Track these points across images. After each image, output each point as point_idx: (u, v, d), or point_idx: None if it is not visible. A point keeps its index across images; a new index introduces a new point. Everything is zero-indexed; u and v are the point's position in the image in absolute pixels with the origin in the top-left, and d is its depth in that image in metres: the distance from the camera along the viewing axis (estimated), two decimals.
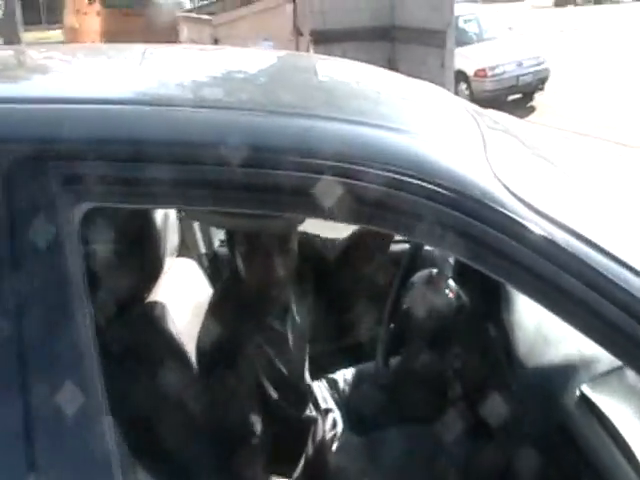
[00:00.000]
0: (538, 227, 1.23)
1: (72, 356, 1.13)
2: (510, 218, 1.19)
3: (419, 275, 2.37)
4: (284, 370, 2.01)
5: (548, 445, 1.75)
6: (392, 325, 2.41)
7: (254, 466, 1.85)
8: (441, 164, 1.25)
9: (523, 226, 1.21)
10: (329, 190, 1.15)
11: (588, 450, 1.62)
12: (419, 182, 1.19)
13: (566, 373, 1.79)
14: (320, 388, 2.38)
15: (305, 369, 2.18)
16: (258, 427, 1.86)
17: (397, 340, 2.32)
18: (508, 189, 1.24)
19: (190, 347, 2.03)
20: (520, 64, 12.45)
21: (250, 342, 1.91)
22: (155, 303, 2.13)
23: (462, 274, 2.25)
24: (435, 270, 2.30)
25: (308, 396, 2.18)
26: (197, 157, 1.15)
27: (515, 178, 1.31)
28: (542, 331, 1.94)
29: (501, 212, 1.21)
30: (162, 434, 1.69)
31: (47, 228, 1.10)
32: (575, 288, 1.24)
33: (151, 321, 2.05)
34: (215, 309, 2.00)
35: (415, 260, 2.47)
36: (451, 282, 2.22)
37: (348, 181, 1.18)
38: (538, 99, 12.83)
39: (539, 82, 12.86)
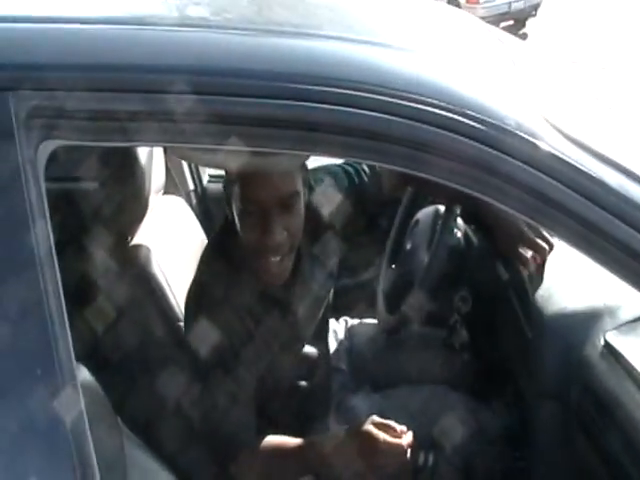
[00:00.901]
0: (579, 161, 1.06)
1: (33, 300, 0.97)
2: (554, 155, 1.03)
3: (424, 212, 2.22)
4: (287, 339, 1.84)
5: (568, 400, 1.62)
6: (394, 266, 2.26)
7: (252, 433, 1.71)
8: (469, 94, 1.07)
9: (564, 161, 1.05)
10: (340, 122, 0.99)
11: (613, 404, 1.49)
12: (444, 113, 1.02)
13: (589, 321, 1.65)
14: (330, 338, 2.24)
15: (318, 331, 2.01)
16: (252, 393, 1.72)
17: (399, 283, 2.17)
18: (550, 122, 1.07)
19: (178, 294, 1.87)
20: None
21: (243, 312, 1.73)
22: (140, 246, 1.97)
23: (471, 212, 2.09)
24: (441, 206, 2.14)
25: (318, 365, 2.01)
26: (187, 85, 0.97)
27: (555, 110, 1.14)
28: (562, 275, 1.80)
29: (542, 146, 1.03)
30: (142, 385, 1.55)
31: (7, 167, 0.93)
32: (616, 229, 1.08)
33: (135, 266, 1.90)
34: (203, 268, 1.80)
35: (418, 197, 2.32)
36: (459, 220, 2.06)
37: (362, 112, 1.00)
38: (530, 26, 12.55)
39: (532, 9, 12.59)
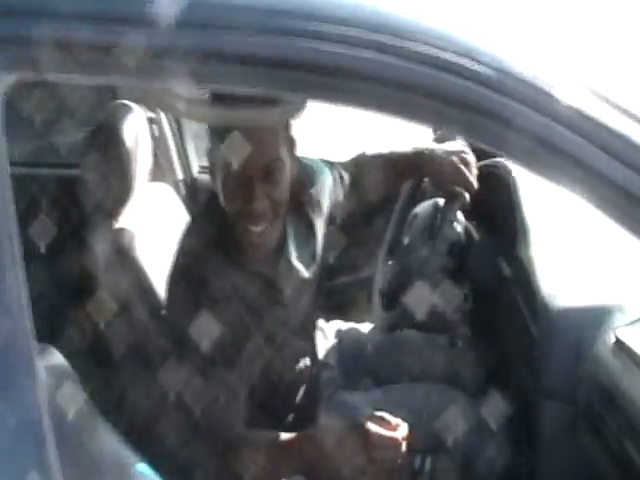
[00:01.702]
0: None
1: None
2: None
3: (423, 206, 2.12)
4: (273, 322, 1.73)
5: (575, 399, 1.52)
6: (391, 263, 2.16)
7: (236, 420, 1.61)
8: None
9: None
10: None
11: (626, 402, 1.39)
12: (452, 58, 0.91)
13: (598, 317, 1.56)
14: (319, 336, 2.14)
15: (306, 319, 1.90)
16: (237, 380, 1.62)
17: (397, 279, 2.07)
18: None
19: (162, 280, 1.76)
20: None
21: (228, 288, 1.64)
22: (124, 230, 1.87)
23: (472, 207, 1.99)
24: (442, 200, 2.04)
25: (303, 350, 1.91)
26: (181, 17, 0.85)
27: None
28: (569, 270, 1.71)
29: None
30: (122, 371, 1.45)
31: None
32: None
33: (119, 249, 1.79)
34: (186, 245, 1.71)
35: (416, 192, 2.22)
36: (460, 215, 1.97)
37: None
38: None
39: None
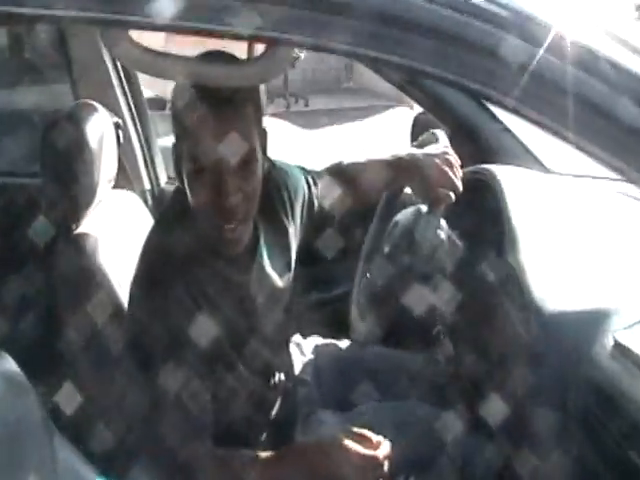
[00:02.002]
0: None
1: None
2: None
3: (404, 213, 2.01)
4: (244, 331, 1.63)
5: (569, 404, 1.42)
6: (368, 275, 2.05)
7: (203, 440, 1.50)
8: None
9: None
10: None
11: (627, 405, 1.30)
12: None
13: (594, 320, 1.47)
14: (295, 352, 2.02)
15: (279, 331, 1.79)
16: (206, 395, 1.51)
17: (375, 290, 1.96)
18: None
19: (126, 287, 1.65)
20: None
21: (195, 294, 1.53)
22: (86, 235, 1.75)
23: (454, 214, 1.90)
24: (424, 207, 1.95)
25: (277, 364, 1.80)
26: None
27: None
28: (561, 273, 1.62)
29: None
30: (84, 381, 1.33)
31: None
32: None
33: (79, 254, 1.67)
34: (150, 247, 1.60)
35: (396, 200, 2.12)
36: (443, 222, 1.87)
37: None
38: None
39: None
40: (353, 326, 1.96)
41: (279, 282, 1.73)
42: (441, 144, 1.85)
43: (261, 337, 1.69)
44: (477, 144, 2.16)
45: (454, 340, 1.86)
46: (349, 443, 1.45)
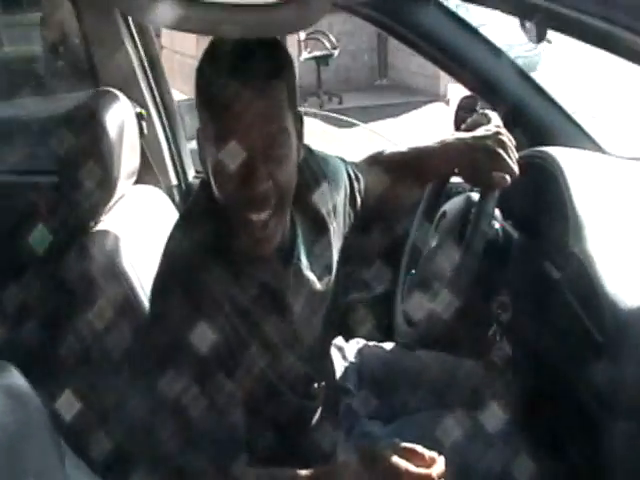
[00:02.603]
0: None
1: None
2: None
3: (452, 202, 1.85)
4: (280, 344, 1.46)
5: None
6: (414, 272, 1.88)
7: (237, 459, 1.34)
8: None
9: None
10: None
11: None
12: None
13: None
14: (336, 357, 1.86)
15: (319, 341, 1.61)
16: (238, 410, 1.36)
17: (422, 289, 1.79)
18: None
19: (148, 289, 1.50)
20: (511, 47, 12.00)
21: (224, 299, 1.36)
22: (106, 232, 1.61)
23: (508, 204, 1.72)
24: (475, 194, 1.77)
25: (316, 373, 1.61)
26: None
27: None
28: (633, 263, 1.44)
29: None
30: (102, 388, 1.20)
31: None
32: None
33: (98, 252, 1.53)
34: (173, 247, 1.43)
35: (442, 189, 1.95)
36: (497, 211, 1.70)
37: None
38: None
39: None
40: (398, 328, 1.79)
41: (319, 286, 1.56)
42: (493, 125, 1.68)
43: (299, 349, 1.53)
44: (530, 126, 1.97)
45: (513, 343, 1.67)
46: (398, 460, 1.28)
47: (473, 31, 1.99)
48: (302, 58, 10.02)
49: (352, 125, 7.54)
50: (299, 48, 9.87)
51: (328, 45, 10.39)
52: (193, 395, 1.26)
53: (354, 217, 1.71)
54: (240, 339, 1.36)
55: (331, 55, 10.39)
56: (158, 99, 2.17)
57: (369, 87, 11.06)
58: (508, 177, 1.56)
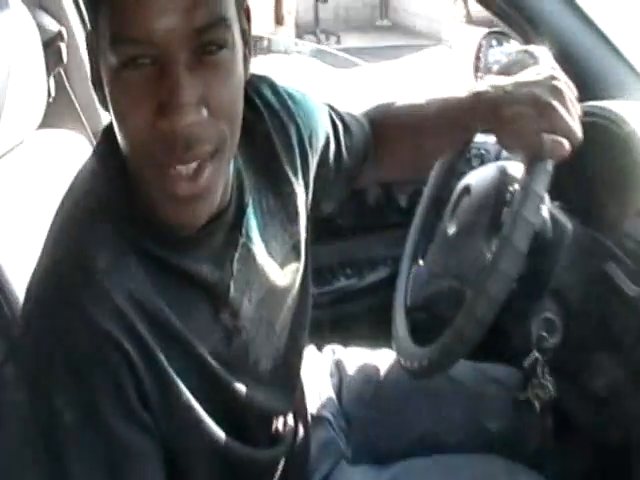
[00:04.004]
0: None
1: None
2: None
3: (479, 175, 1.35)
4: (223, 371, 1.00)
5: None
6: (422, 263, 1.38)
7: None
8: None
9: None
10: None
11: None
12: None
13: None
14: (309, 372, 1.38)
15: (284, 357, 1.14)
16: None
17: (436, 291, 1.31)
18: None
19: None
20: None
21: (133, 307, 0.89)
22: None
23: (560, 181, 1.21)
24: (512, 164, 1.27)
25: (279, 405, 1.15)
26: None
27: None
28: None
29: None
30: None
31: None
32: None
33: None
34: (57, 225, 0.94)
35: (457, 159, 1.43)
36: (545, 196, 1.18)
37: None
38: None
39: None
40: (399, 345, 1.30)
41: (280, 277, 1.09)
42: (543, 66, 1.15)
43: (253, 372, 1.06)
44: (584, 75, 1.44)
45: (559, 379, 1.18)
46: None
47: None
48: None
49: (352, 64, 7.12)
50: None
51: None
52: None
53: (336, 181, 1.25)
54: (155, 366, 0.89)
55: None
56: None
57: (369, 27, 10.71)
58: (567, 143, 1.05)
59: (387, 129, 1.31)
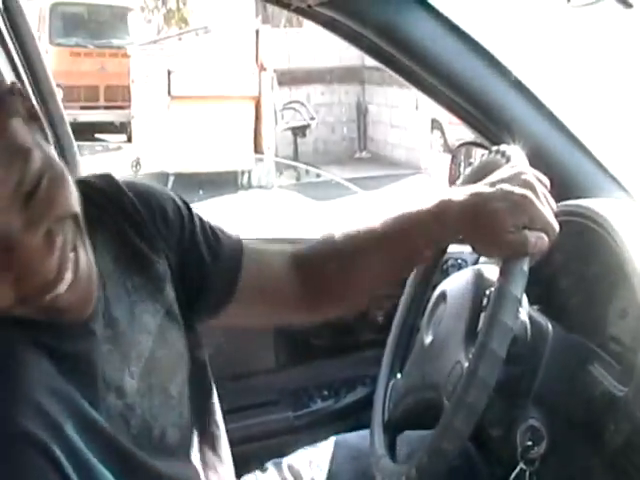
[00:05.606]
0: None
1: None
2: None
3: (454, 280, 1.30)
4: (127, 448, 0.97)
5: None
6: (400, 377, 1.32)
7: None
8: None
9: None
10: None
11: None
12: None
13: None
14: None
15: (190, 435, 1.10)
16: None
17: (415, 406, 1.23)
18: None
19: None
20: None
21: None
22: None
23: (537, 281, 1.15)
24: (487, 268, 1.23)
25: None
26: None
27: None
28: None
29: None
30: None
31: None
32: None
33: None
34: None
35: (438, 264, 1.39)
36: (523, 298, 1.12)
37: None
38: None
39: None
40: (377, 461, 1.22)
41: (160, 343, 1.07)
42: (514, 164, 1.12)
43: (162, 446, 1.03)
44: (557, 175, 1.40)
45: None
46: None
47: (471, 41, 1.45)
48: (279, 129, 9.73)
49: (337, 196, 7.19)
50: (275, 118, 9.54)
51: (306, 116, 10.14)
52: None
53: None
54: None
55: (308, 126, 10.15)
56: None
57: (349, 160, 10.87)
58: (545, 237, 1.01)
59: (330, 258, 1.22)
